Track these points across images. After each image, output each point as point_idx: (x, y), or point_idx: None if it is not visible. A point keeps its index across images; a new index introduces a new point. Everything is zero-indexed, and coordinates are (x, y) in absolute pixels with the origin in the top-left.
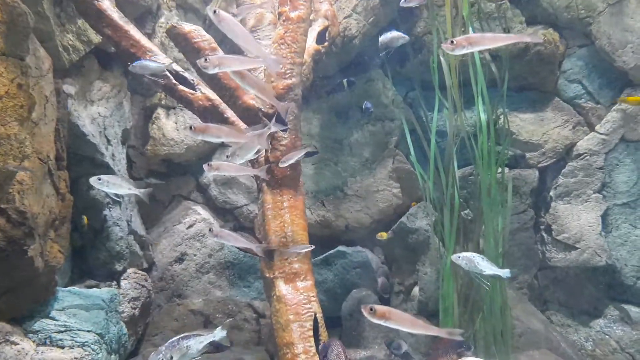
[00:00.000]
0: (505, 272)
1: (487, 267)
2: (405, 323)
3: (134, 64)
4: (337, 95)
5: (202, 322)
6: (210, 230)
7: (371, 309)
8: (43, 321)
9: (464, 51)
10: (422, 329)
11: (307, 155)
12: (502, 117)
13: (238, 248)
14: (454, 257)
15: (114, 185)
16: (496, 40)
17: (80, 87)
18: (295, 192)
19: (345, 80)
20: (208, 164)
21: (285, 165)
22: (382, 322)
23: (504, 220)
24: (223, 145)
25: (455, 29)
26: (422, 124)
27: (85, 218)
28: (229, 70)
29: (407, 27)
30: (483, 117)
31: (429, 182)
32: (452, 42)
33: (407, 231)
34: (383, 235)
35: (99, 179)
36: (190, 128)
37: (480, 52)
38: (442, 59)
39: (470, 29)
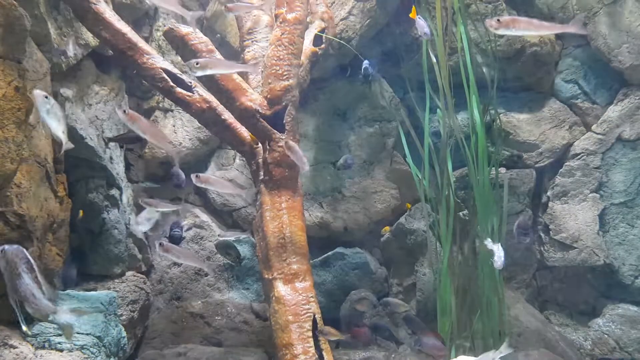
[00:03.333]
0: None
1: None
2: None
3: None
4: (335, 97)
5: (201, 325)
6: (160, 244)
7: None
8: (42, 324)
9: (507, 32)
10: None
11: None
12: (495, 117)
13: None
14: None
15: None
16: (541, 27)
17: (78, 90)
18: (294, 193)
19: (366, 64)
20: (196, 175)
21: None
22: None
23: (499, 220)
24: (221, 148)
25: (446, 28)
26: (419, 125)
27: (81, 212)
28: (217, 73)
29: (403, 29)
30: (474, 117)
31: (424, 182)
32: (498, 20)
33: (406, 232)
34: (387, 230)
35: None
36: (124, 112)
37: (471, 52)
38: (433, 58)
39: (462, 28)
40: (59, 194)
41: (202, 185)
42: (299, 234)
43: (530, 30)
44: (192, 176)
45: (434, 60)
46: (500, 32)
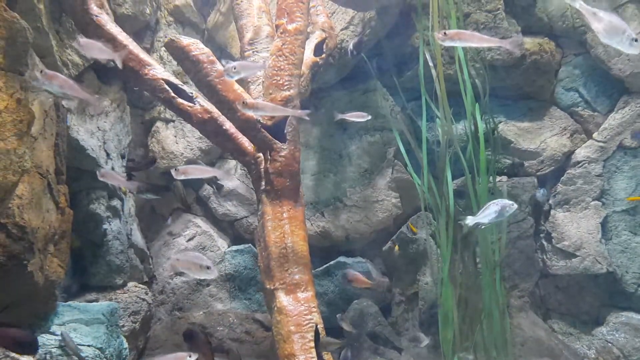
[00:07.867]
0: None
1: None
2: None
3: None
4: (336, 107)
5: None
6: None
7: None
8: (43, 336)
9: (453, 44)
10: None
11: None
12: (493, 126)
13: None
14: None
15: None
16: (482, 40)
17: (80, 102)
18: (295, 203)
19: None
20: (175, 169)
21: None
22: None
23: (499, 229)
24: (222, 158)
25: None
26: (419, 134)
27: None
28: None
29: (403, 39)
30: (472, 126)
31: (424, 187)
32: (444, 33)
33: (408, 241)
34: (398, 249)
35: None
36: (41, 72)
37: (470, 63)
38: (432, 66)
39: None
40: (61, 205)
41: (183, 177)
42: (301, 243)
43: (473, 42)
44: (172, 171)
45: (432, 65)
46: (447, 44)
